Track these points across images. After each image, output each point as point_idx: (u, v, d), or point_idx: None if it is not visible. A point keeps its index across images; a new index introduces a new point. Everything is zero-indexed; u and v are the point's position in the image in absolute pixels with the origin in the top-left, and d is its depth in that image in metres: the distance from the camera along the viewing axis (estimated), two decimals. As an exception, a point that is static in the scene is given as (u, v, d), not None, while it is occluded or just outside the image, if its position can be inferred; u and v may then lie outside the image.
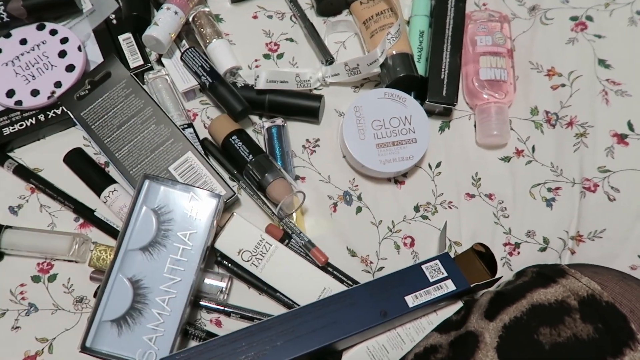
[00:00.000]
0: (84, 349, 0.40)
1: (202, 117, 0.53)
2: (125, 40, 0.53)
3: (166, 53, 0.52)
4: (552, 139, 0.52)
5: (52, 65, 0.51)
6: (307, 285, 0.46)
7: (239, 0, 0.56)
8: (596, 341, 0.39)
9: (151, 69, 0.53)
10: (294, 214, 0.49)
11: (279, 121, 0.51)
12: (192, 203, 0.44)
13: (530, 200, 0.51)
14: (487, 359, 0.40)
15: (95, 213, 0.48)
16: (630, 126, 0.52)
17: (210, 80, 0.50)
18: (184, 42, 0.53)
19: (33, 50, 0.51)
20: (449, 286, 0.43)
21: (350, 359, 0.43)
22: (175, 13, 0.50)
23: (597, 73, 0.53)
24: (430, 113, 0.53)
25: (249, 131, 0.52)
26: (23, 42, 0.51)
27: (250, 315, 0.46)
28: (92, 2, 0.54)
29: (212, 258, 0.47)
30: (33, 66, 0.51)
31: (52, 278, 0.47)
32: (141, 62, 0.52)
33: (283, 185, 0.46)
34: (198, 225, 0.43)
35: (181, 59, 0.51)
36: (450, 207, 0.50)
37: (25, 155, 0.51)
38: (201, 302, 0.46)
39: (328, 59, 0.53)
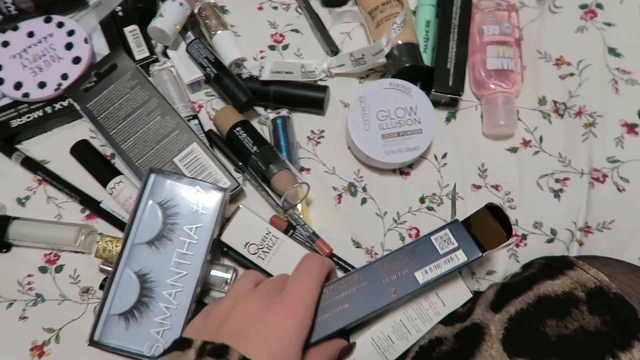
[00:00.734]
0: (92, 342, 0.41)
1: (207, 109, 0.53)
2: (131, 32, 0.53)
3: (171, 45, 0.52)
4: (560, 129, 0.51)
5: (59, 58, 0.51)
6: (311, 276, 0.46)
7: (244, -9, 0.56)
8: (604, 333, 0.38)
9: (157, 60, 0.53)
10: (299, 205, 0.49)
11: (283, 112, 0.51)
12: (197, 196, 0.43)
13: (537, 191, 0.50)
14: (492, 350, 0.40)
15: (101, 205, 0.48)
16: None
17: (216, 72, 0.50)
18: (189, 33, 0.53)
19: (40, 42, 0.51)
20: (460, 257, 0.40)
21: (355, 350, 0.43)
22: (181, 4, 0.50)
23: (607, 62, 0.52)
24: (436, 103, 0.52)
25: (254, 122, 0.52)
26: (30, 35, 0.52)
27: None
28: (98, -5, 0.54)
29: (217, 249, 0.47)
30: (40, 59, 0.51)
31: (59, 269, 0.47)
32: (147, 53, 0.52)
33: (287, 176, 0.46)
34: (204, 219, 0.43)
35: (186, 50, 0.51)
36: (456, 199, 0.50)
37: (33, 147, 0.51)
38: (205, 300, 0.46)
39: (333, 50, 0.53)
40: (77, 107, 0.48)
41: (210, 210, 0.43)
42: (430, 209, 0.50)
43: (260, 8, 0.56)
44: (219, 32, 0.52)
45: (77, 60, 0.51)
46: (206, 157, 0.48)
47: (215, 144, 0.51)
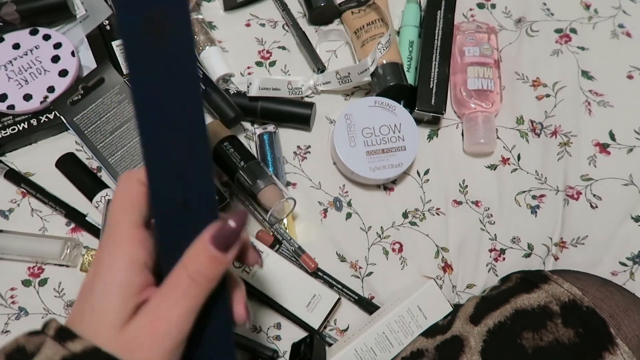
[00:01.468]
0: None
1: (194, 123, 0.54)
2: (119, 46, 0.53)
3: (159, 59, 0.53)
4: (537, 147, 0.54)
5: (45, 70, 0.51)
6: (297, 291, 0.47)
7: (232, 8, 0.57)
8: (577, 345, 0.41)
9: (144, 74, 0.53)
10: (285, 220, 0.50)
11: (270, 128, 0.52)
12: None
13: (515, 207, 0.52)
14: (472, 362, 0.42)
15: (86, 218, 0.49)
16: (612, 136, 0.54)
17: (203, 87, 0.51)
18: (177, 48, 0.54)
19: (26, 55, 0.52)
20: None
21: None
22: (169, 20, 0.51)
23: (581, 84, 0.55)
24: (419, 121, 0.54)
25: (241, 137, 0.53)
26: (16, 46, 0.52)
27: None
28: (85, 8, 0.55)
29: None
30: (26, 71, 0.51)
31: (43, 282, 0.47)
32: (134, 68, 0.53)
33: (274, 191, 0.47)
34: None
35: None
36: (437, 214, 0.52)
37: (17, 159, 0.51)
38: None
39: (320, 67, 0.54)
40: (64, 120, 0.49)
41: None
42: (413, 223, 0.52)
43: (247, 25, 0.57)
44: (207, 47, 0.53)
45: (63, 73, 0.51)
46: (193, 172, 0.48)
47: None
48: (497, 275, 0.51)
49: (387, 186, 0.53)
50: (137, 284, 0.25)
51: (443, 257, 0.51)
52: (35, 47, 0.52)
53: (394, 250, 0.51)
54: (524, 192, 0.52)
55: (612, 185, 0.52)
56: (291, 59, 0.56)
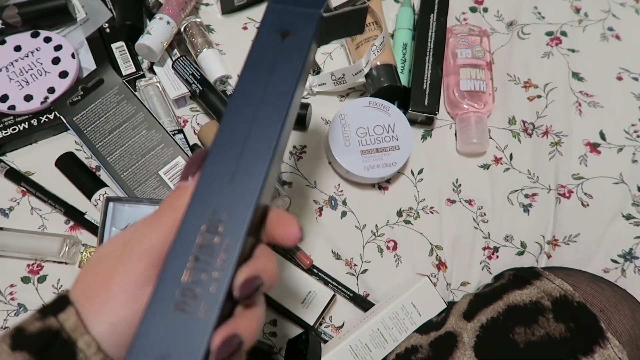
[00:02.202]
0: None
1: (192, 124, 0.55)
2: (118, 48, 0.55)
3: (158, 61, 0.54)
4: (528, 147, 0.55)
5: (45, 72, 0.52)
6: (292, 288, 0.47)
7: (230, 11, 0.58)
8: (568, 339, 0.41)
9: (143, 76, 0.54)
10: (281, 218, 0.51)
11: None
12: None
13: (508, 206, 0.53)
14: (465, 357, 0.42)
15: (85, 216, 0.49)
16: (602, 136, 0.55)
17: (201, 88, 0.52)
18: (175, 51, 0.55)
19: (27, 56, 0.53)
20: None
21: (333, 357, 0.44)
22: (168, 23, 0.52)
23: (571, 85, 0.56)
24: (413, 122, 0.55)
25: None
26: (17, 48, 0.53)
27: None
28: (86, 11, 0.56)
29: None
30: (27, 72, 0.52)
31: (42, 279, 0.48)
32: (133, 69, 0.54)
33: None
34: None
35: (172, 67, 0.53)
36: (431, 212, 0.53)
37: (17, 158, 0.52)
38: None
39: (315, 69, 0.56)
40: (64, 120, 0.50)
41: None
42: (407, 222, 0.52)
43: (244, 28, 0.58)
44: (205, 50, 0.54)
45: (64, 74, 0.52)
46: (191, 171, 0.49)
47: (200, 158, 0.52)
48: (490, 273, 0.51)
49: (382, 185, 0.54)
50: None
51: (437, 255, 0.51)
52: (37, 49, 0.53)
53: (388, 248, 0.51)
54: (517, 191, 0.53)
55: (602, 183, 0.53)
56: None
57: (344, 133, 0.51)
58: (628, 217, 0.52)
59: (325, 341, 0.48)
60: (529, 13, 0.59)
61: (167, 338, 0.21)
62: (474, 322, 0.44)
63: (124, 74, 0.54)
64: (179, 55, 0.54)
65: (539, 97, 0.56)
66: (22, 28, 0.54)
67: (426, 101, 0.53)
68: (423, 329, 0.47)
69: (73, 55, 0.53)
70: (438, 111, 0.53)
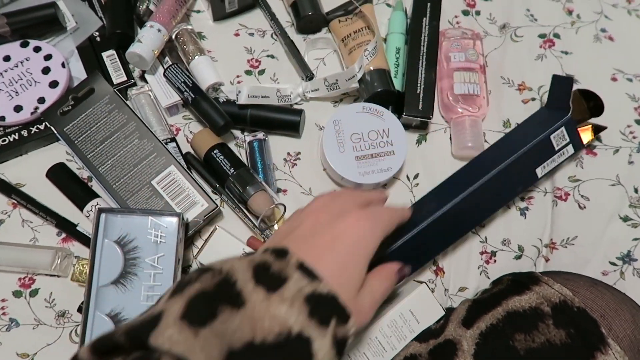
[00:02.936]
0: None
1: (185, 132, 0.54)
2: (109, 57, 0.54)
3: (149, 69, 0.53)
4: (524, 150, 0.54)
5: (35, 82, 0.51)
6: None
7: (221, 18, 0.58)
8: (569, 346, 0.41)
9: (134, 84, 0.54)
10: (276, 226, 0.50)
11: (260, 135, 0.52)
12: (153, 226, 0.44)
13: (505, 209, 0.52)
14: (464, 365, 0.41)
15: (77, 227, 0.48)
16: (598, 137, 0.54)
17: (193, 96, 0.51)
18: (167, 58, 0.54)
19: (17, 66, 0.52)
20: (569, 151, 0.46)
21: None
22: (159, 31, 0.51)
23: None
24: (407, 126, 0.54)
25: (231, 145, 0.53)
26: (6, 58, 0.52)
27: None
28: (76, 20, 0.55)
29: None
30: (16, 82, 0.51)
31: (34, 293, 0.47)
32: (124, 78, 0.53)
33: (264, 197, 0.47)
34: (165, 248, 0.44)
35: (164, 75, 0.52)
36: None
37: (8, 170, 0.51)
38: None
39: (308, 75, 0.55)
40: (54, 130, 0.49)
41: (170, 237, 0.44)
42: (403, 228, 0.52)
43: (236, 34, 0.58)
44: (197, 57, 0.53)
45: (54, 84, 0.51)
46: (184, 180, 0.48)
47: (193, 166, 0.52)
48: (488, 278, 0.51)
49: (377, 191, 0.53)
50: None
51: (434, 260, 0.51)
52: (26, 59, 0.52)
53: (385, 254, 0.51)
54: (513, 194, 0.53)
55: (599, 185, 0.52)
56: (280, 68, 0.56)
57: (338, 139, 0.50)
58: (625, 218, 0.51)
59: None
60: (521, 15, 0.59)
61: None
62: (473, 329, 0.44)
63: (115, 83, 0.53)
64: (170, 63, 0.53)
65: (533, 99, 0.56)
66: (11, 38, 0.53)
67: (420, 105, 0.52)
68: (422, 337, 0.46)
69: (63, 65, 0.52)
70: (432, 115, 0.52)
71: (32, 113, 0.50)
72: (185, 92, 0.51)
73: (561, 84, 0.50)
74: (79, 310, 0.46)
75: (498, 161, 0.46)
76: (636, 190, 0.52)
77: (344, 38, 0.55)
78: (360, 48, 0.53)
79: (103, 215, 0.44)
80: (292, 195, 0.52)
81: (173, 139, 0.52)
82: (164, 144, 0.49)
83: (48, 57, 0.52)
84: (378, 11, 0.58)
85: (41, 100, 0.51)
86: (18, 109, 0.50)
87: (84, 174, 0.51)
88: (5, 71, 0.52)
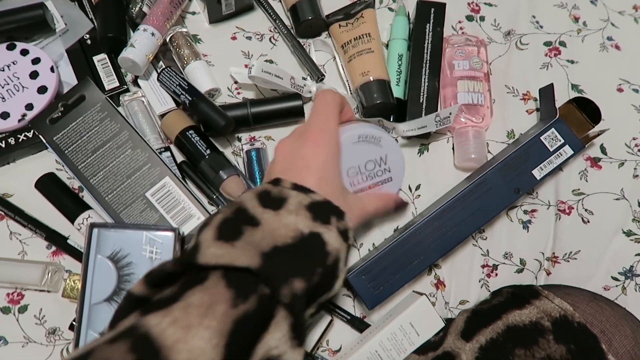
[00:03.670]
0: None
1: (179, 140, 0.53)
2: (100, 61, 0.53)
3: (143, 74, 0.52)
4: (527, 162, 0.54)
5: (23, 87, 0.50)
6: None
7: (218, 21, 0.57)
8: (569, 361, 0.41)
9: (127, 90, 0.53)
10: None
11: (258, 144, 0.52)
12: (148, 242, 0.44)
13: (507, 222, 0.53)
14: (465, 381, 0.42)
15: (68, 240, 0.48)
16: (603, 150, 0.54)
17: (190, 98, 0.50)
18: (161, 63, 0.54)
19: (3, 70, 0.51)
20: (567, 152, 0.49)
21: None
22: (152, 35, 0.50)
23: (571, 97, 0.56)
24: (409, 137, 0.54)
25: (228, 154, 0.52)
26: (-8, 62, 0.51)
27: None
28: (65, 22, 0.54)
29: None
30: (3, 87, 0.50)
31: (23, 309, 0.47)
32: (117, 83, 0.52)
33: (237, 182, 0.48)
34: (160, 262, 0.43)
35: (158, 79, 0.52)
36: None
37: (-6, 179, 0.50)
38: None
39: (319, 76, 0.54)
40: (43, 139, 0.48)
41: (165, 253, 0.44)
42: (404, 240, 0.52)
43: (233, 38, 0.57)
44: (192, 62, 0.53)
45: (42, 89, 0.50)
46: (179, 191, 0.48)
47: (188, 176, 0.51)
48: (489, 291, 0.51)
49: (378, 203, 0.53)
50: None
51: (435, 273, 0.51)
52: (13, 63, 0.51)
53: (385, 268, 0.51)
54: (516, 207, 0.53)
55: (603, 199, 0.53)
56: (281, 72, 0.56)
57: None
58: (629, 233, 0.52)
59: (321, 366, 0.48)
60: (526, 22, 0.59)
61: None
62: (472, 342, 0.44)
63: (106, 89, 0.52)
64: (164, 67, 0.52)
65: (538, 110, 0.56)
66: (-3, 40, 0.52)
67: (423, 114, 0.52)
68: (421, 350, 0.46)
69: (52, 69, 0.51)
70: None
71: (19, 120, 0.49)
72: (181, 95, 0.50)
73: (547, 93, 0.53)
74: (71, 327, 0.46)
75: (490, 165, 0.50)
76: (640, 204, 0.53)
77: (343, 45, 0.54)
78: (360, 57, 0.53)
79: (95, 231, 0.44)
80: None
81: (167, 148, 0.51)
82: (158, 153, 0.49)
83: (36, 61, 0.51)
84: (380, 16, 0.57)
85: (29, 106, 0.50)
86: (5, 115, 0.49)
87: (74, 183, 0.50)
88: (-9, 75, 0.50)
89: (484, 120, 0.53)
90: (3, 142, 0.49)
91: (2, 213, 0.49)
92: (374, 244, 0.52)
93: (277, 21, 0.56)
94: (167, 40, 0.53)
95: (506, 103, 0.56)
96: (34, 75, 0.51)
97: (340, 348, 0.49)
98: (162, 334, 0.25)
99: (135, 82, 0.53)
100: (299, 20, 0.55)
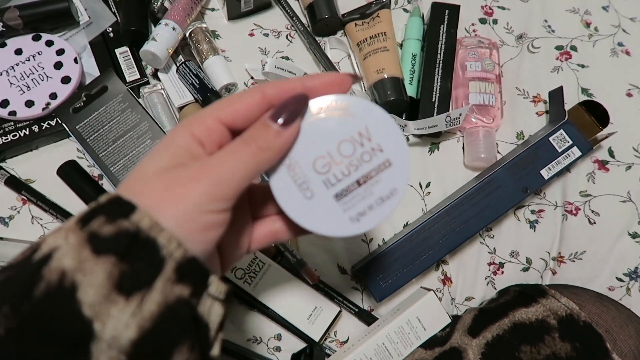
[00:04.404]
0: None
1: (196, 132, 0.56)
2: (122, 53, 0.55)
3: (163, 68, 0.55)
4: (536, 163, 0.56)
5: (47, 77, 0.53)
6: (298, 304, 0.49)
7: (236, 17, 0.59)
8: (574, 359, 0.43)
9: (147, 83, 0.55)
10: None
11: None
12: None
13: (514, 221, 0.55)
14: (470, 375, 0.44)
15: (88, 226, 0.50)
16: (611, 153, 0.56)
17: (201, 98, 0.52)
18: (180, 57, 0.56)
19: (28, 60, 0.53)
20: (575, 153, 0.51)
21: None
22: (173, 29, 0.53)
23: (580, 101, 0.58)
24: (420, 135, 0.56)
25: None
26: (18, 52, 0.53)
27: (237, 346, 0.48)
28: (89, 15, 0.57)
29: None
30: (28, 77, 0.53)
31: (43, 290, 0.49)
32: (137, 76, 0.55)
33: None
34: None
35: (177, 72, 0.54)
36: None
37: (18, 165, 0.52)
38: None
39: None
40: (66, 128, 0.50)
41: None
42: (413, 236, 0.54)
43: (251, 34, 0.59)
44: (210, 57, 0.55)
45: (66, 79, 0.53)
46: (196, 182, 0.50)
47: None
48: (495, 289, 0.53)
49: (388, 199, 0.55)
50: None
51: (443, 269, 0.53)
52: (38, 53, 0.54)
53: (394, 262, 0.53)
54: (523, 207, 0.55)
55: (610, 201, 0.55)
56: (294, 69, 0.58)
57: (295, 180, 0.27)
58: (634, 235, 0.54)
59: (328, 355, 0.50)
60: (539, 26, 0.61)
61: None
62: (479, 338, 0.46)
63: (127, 81, 0.54)
64: (183, 60, 0.55)
65: (548, 112, 0.58)
66: (23, 31, 0.54)
67: (435, 113, 0.54)
68: (427, 344, 0.48)
69: (76, 60, 0.53)
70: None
71: (43, 109, 0.52)
72: (199, 89, 0.53)
73: (556, 95, 0.55)
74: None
75: (499, 164, 0.52)
76: (646, 207, 0.55)
77: (359, 43, 0.57)
78: (375, 54, 0.55)
79: None
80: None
81: (185, 140, 0.53)
82: (176, 144, 0.51)
83: (60, 52, 0.54)
84: (395, 16, 0.60)
85: (53, 95, 0.52)
86: (29, 104, 0.52)
87: (94, 171, 0.53)
88: (17, 65, 0.53)
89: (495, 121, 0.55)
90: (27, 129, 0.52)
91: (25, 198, 0.51)
92: (383, 239, 0.54)
93: (294, 19, 0.59)
94: (187, 35, 0.56)
95: (517, 105, 0.58)
96: (58, 65, 0.53)
97: (348, 339, 0.51)
98: None
99: (155, 75, 0.56)
100: (316, 18, 0.57)
